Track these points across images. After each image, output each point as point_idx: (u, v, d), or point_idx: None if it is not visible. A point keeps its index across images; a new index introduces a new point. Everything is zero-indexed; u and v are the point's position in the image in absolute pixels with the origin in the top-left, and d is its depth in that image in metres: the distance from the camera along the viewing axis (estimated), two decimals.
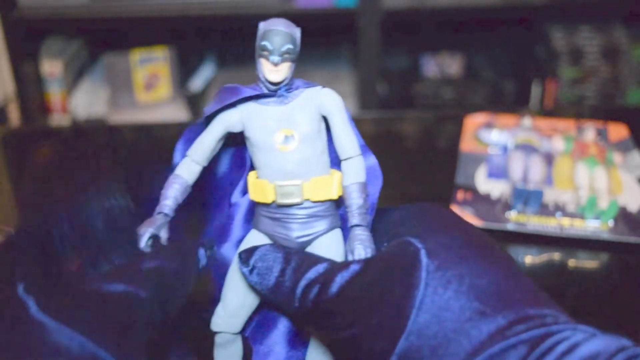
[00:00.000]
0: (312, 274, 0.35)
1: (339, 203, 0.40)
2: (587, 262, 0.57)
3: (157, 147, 0.78)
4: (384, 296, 0.32)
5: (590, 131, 0.72)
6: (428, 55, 1.69)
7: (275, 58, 0.37)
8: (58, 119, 1.58)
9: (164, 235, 0.38)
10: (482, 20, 1.65)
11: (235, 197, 0.42)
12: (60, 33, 1.61)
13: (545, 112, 0.94)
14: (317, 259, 0.36)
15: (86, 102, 1.59)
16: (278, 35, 0.37)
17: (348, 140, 0.38)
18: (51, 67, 1.54)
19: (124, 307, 0.32)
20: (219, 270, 0.43)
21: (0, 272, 0.32)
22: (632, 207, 0.61)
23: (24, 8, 1.44)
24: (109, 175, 0.46)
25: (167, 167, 0.41)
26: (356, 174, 0.38)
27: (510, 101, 1.65)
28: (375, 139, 0.78)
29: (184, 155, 0.40)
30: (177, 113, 1.59)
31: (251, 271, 0.37)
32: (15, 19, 1.44)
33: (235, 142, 0.41)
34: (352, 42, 1.59)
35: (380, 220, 0.39)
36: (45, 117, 1.58)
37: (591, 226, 0.58)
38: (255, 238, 0.39)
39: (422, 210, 0.38)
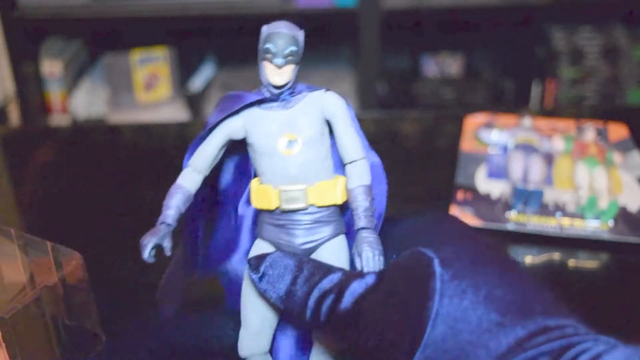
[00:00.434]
0: (325, 284, 0.34)
1: (343, 209, 0.39)
2: (587, 262, 0.57)
3: (157, 147, 0.78)
4: (399, 309, 0.31)
5: (590, 131, 0.72)
6: (428, 55, 1.69)
7: (279, 60, 0.36)
8: (58, 119, 1.58)
9: (167, 245, 0.37)
10: (482, 20, 1.65)
11: (241, 208, 0.42)
12: (60, 33, 1.61)
13: (545, 112, 0.94)
14: (330, 269, 0.35)
15: (86, 102, 1.59)
16: (281, 38, 0.36)
17: (351, 143, 0.38)
18: (51, 67, 1.54)
19: None
20: (231, 285, 0.43)
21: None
22: (632, 207, 0.61)
23: (24, 8, 1.44)
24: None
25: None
26: (360, 177, 0.38)
27: (510, 101, 1.65)
28: (375, 139, 0.77)
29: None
30: (177, 113, 1.59)
31: (261, 278, 0.36)
32: (15, 19, 1.44)
33: (239, 152, 0.41)
34: (352, 42, 1.59)
35: (389, 231, 0.38)
36: (45, 117, 1.58)
37: (591, 226, 0.58)
38: (260, 247, 0.39)
39: (433, 220, 0.37)
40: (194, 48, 1.71)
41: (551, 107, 1.52)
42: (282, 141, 0.37)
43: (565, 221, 0.59)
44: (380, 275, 0.34)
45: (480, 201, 0.62)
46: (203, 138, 0.39)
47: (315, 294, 0.34)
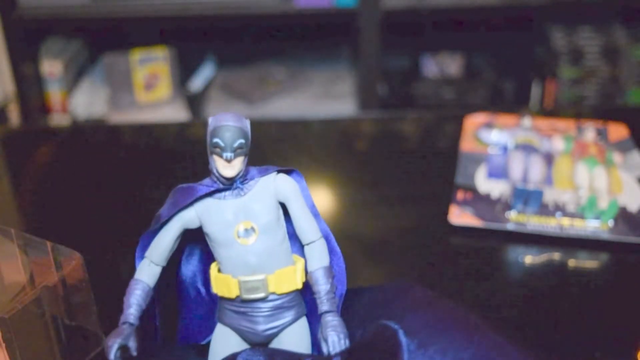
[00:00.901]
0: None
1: (303, 287, 0.40)
2: (587, 262, 0.57)
3: (157, 147, 0.78)
4: None
5: (590, 131, 0.72)
6: (428, 55, 1.69)
7: (228, 154, 0.36)
8: (58, 119, 1.58)
9: (132, 344, 0.37)
10: (482, 20, 1.65)
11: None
12: (60, 33, 1.61)
13: (545, 112, 0.94)
14: (299, 357, 0.36)
15: (86, 102, 1.59)
16: (229, 132, 0.36)
17: (308, 224, 0.39)
18: (51, 67, 1.54)
19: None
20: None
21: None
22: (632, 207, 0.61)
23: (24, 8, 1.44)
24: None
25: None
26: (320, 259, 0.38)
27: (510, 101, 1.65)
28: (375, 139, 0.78)
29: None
30: (177, 113, 1.59)
31: None
32: (15, 19, 1.44)
33: (202, 234, 0.41)
34: (352, 42, 1.59)
35: (352, 304, 0.39)
36: (45, 117, 1.58)
37: (591, 226, 0.58)
38: (223, 334, 0.39)
39: (395, 291, 0.38)
40: (194, 48, 1.71)
41: (551, 107, 1.52)
42: (238, 229, 0.38)
43: (565, 221, 0.59)
44: (347, 354, 0.34)
45: (480, 201, 0.62)
46: (156, 231, 0.39)
47: None
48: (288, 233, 0.40)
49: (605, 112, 0.85)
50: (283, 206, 0.39)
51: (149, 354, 0.40)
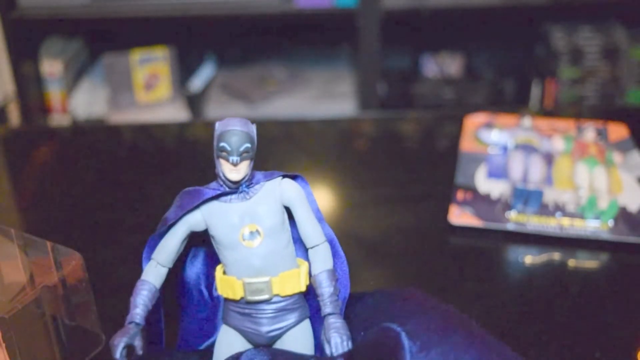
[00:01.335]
0: None
1: (307, 289, 0.40)
2: (587, 262, 0.57)
3: (157, 147, 0.78)
4: None
5: (590, 131, 0.72)
6: (428, 55, 1.69)
7: (234, 158, 0.37)
8: (58, 119, 1.58)
9: (138, 343, 0.37)
10: (482, 20, 1.65)
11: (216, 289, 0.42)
12: (60, 33, 1.61)
13: (545, 112, 0.94)
14: (302, 358, 0.37)
15: (86, 102, 1.59)
16: (235, 136, 0.37)
17: (312, 228, 0.39)
18: (51, 67, 1.54)
19: None
20: None
21: None
22: (632, 207, 0.61)
23: (24, 8, 1.44)
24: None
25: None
26: (323, 262, 0.39)
27: (510, 101, 1.65)
28: (375, 139, 0.78)
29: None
30: (177, 113, 1.59)
31: None
32: (15, 19, 1.44)
33: (207, 236, 0.41)
34: (352, 42, 1.59)
35: (354, 308, 0.39)
36: (45, 117, 1.58)
37: (591, 226, 0.58)
38: (227, 335, 0.40)
39: (396, 296, 0.38)
40: (194, 48, 1.71)
41: (551, 107, 1.52)
42: (243, 232, 0.38)
43: (565, 221, 0.59)
44: (350, 355, 0.34)
45: (480, 201, 0.62)
46: (163, 234, 0.39)
47: None
48: (293, 238, 0.40)
49: (605, 112, 0.85)
50: (288, 211, 0.40)
51: (154, 357, 0.40)
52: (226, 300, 0.40)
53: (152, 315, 0.40)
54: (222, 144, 0.37)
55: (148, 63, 1.59)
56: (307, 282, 0.39)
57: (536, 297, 0.52)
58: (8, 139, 0.84)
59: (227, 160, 0.37)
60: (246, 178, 0.38)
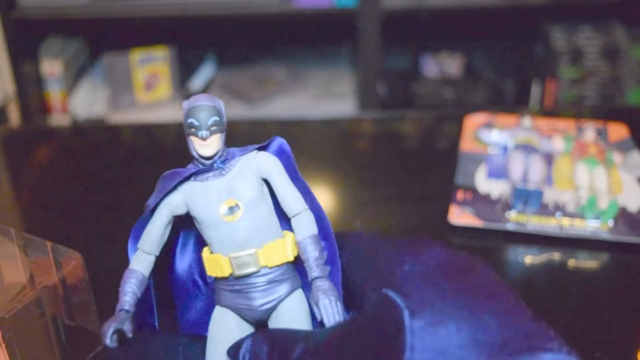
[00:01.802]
0: (298, 350, 0.35)
1: (296, 260, 0.40)
2: (587, 262, 0.57)
3: (157, 147, 0.78)
4: None
5: (590, 131, 0.72)
6: (428, 55, 1.69)
7: (204, 132, 0.37)
8: (58, 119, 1.58)
9: (127, 327, 0.38)
10: (482, 20, 1.65)
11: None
12: (60, 33, 1.61)
13: (545, 112, 0.94)
14: (297, 336, 0.36)
15: (86, 102, 1.59)
16: (203, 111, 0.37)
17: (292, 197, 0.39)
18: (51, 67, 1.54)
19: None
20: None
21: None
22: (632, 207, 0.61)
23: (24, 8, 1.44)
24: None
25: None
26: (306, 228, 0.39)
27: (510, 101, 1.65)
28: (375, 139, 0.78)
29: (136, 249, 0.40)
30: (177, 113, 1.59)
31: None
32: (15, 19, 1.44)
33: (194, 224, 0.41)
34: (352, 42, 1.59)
35: (349, 245, 0.39)
36: (45, 117, 1.58)
37: (591, 226, 0.58)
38: (220, 313, 0.40)
39: (409, 247, 0.36)
40: (194, 48, 1.71)
41: (551, 107, 1.52)
42: (223, 209, 0.38)
43: (565, 221, 0.59)
44: (349, 327, 0.34)
45: (480, 201, 0.62)
46: (146, 220, 0.40)
47: None
48: (279, 215, 0.40)
49: (605, 112, 0.85)
50: (268, 185, 0.40)
51: (142, 340, 0.40)
52: (217, 280, 0.40)
53: (143, 301, 0.40)
54: (190, 121, 0.37)
55: (148, 63, 1.59)
56: (295, 253, 0.39)
57: (536, 297, 0.52)
58: (8, 139, 0.84)
59: (197, 135, 0.37)
60: (219, 154, 0.38)
